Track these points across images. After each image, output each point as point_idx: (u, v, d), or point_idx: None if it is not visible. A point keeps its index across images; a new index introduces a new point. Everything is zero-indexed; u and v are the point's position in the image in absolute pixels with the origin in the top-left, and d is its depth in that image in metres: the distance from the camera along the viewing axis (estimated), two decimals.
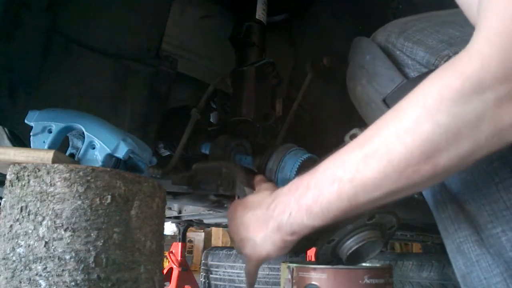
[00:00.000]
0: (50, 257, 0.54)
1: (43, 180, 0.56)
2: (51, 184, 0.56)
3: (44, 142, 0.69)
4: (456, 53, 0.68)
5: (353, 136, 0.81)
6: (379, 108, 0.71)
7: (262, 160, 1.01)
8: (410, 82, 0.68)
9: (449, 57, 0.68)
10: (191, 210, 2.08)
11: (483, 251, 0.60)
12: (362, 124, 0.78)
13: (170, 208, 2.13)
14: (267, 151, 1.02)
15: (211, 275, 2.83)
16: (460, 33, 0.71)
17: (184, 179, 1.01)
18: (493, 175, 0.61)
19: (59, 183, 0.56)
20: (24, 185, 0.57)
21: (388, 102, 0.70)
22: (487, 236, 0.60)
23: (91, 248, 0.55)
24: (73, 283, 0.53)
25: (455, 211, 0.63)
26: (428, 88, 0.49)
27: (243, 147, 1.10)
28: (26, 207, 0.56)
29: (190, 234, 6.22)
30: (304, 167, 0.95)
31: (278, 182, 0.98)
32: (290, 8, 1.29)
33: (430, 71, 0.68)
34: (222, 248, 2.94)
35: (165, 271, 2.89)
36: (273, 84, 1.08)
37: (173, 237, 4.90)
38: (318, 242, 0.77)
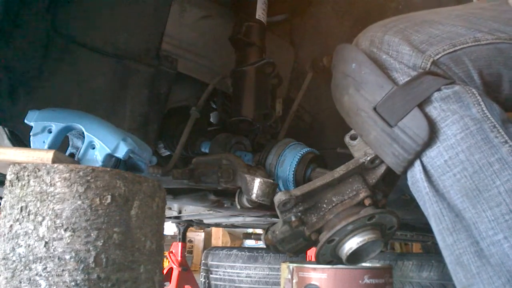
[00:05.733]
0: (50, 257, 0.54)
1: (43, 180, 0.56)
2: (51, 184, 0.56)
3: (44, 142, 0.69)
4: (437, 53, 0.68)
5: (353, 136, 0.81)
6: (370, 117, 0.69)
7: (262, 155, 1.02)
8: (400, 89, 0.67)
9: (433, 59, 0.68)
10: (191, 210, 2.08)
11: (484, 262, 0.59)
12: None
13: (170, 208, 2.12)
14: (267, 146, 1.03)
15: (211, 275, 2.83)
16: (440, 31, 0.70)
17: (184, 174, 1.01)
18: (494, 178, 0.60)
19: (59, 183, 0.56)
20: (24, 185, 0.57)
21: (379, 110, 0.68)
22: (488, 244, 0.59)
23: (91, 248, 0.55)
24: (73, 283, 0.53)
25: (453, 221, 0.62)
26: None
27: (242, 145, 1.10)
28: (26, 207, 0.56)
29: (190, 234, 6.22)
30: (303, 161, 0.95)
31: (277, 176, 0.98)
32: (290, 8, 1.29)
33: (419, 75, 0.67)
34: (222, 248, 2.94)
35: (165, 271, 2.89)
36: (273, 84, 1.08)
37: (173, 237, 4.90)
38: (318, 242, 0.77)
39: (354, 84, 0.72)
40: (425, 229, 2.32)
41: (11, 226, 0.56)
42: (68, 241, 0.54)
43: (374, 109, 0.69)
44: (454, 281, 0.64)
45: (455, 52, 0.68)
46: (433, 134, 0.64)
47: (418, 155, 0.66)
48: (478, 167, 0.61)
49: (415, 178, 0.67)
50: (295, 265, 0.83)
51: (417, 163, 0.66)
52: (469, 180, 0.61)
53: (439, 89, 0.65)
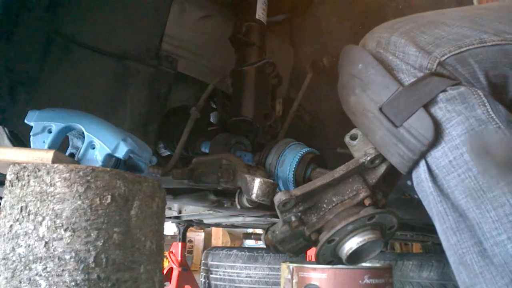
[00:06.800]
0: (50, 257, 0.54)
1: (43, 180, 0.56)
2: (51, 184, 0.56)
3: (44, 142, 0.69)
4: (443, 55, 0.68)
5: (353, 136, 0.81)
6: (376, 118, 0.70)
7: (262, 155, 1.02)
8: (406, 90, 0.67)
9: (439, 60, 0.68)
10: (191, 210, 2.08)
11: (487, 262, 0.59)
12: None
13: (170, 208, 2.12)
14: (267, 146, 1.03)
15: (211, 275, 2.83)
16: (446, 33, 0.70)
17: (184, 173, 1.01)
18: (498, 179, 0.60)
19: (59, 183, 0.56)
20: (24, 185, 0.57)
21: (385, 110, 0.69)
22: (492, 244, 0.59)
23: (91, 248, 0.55)
24: (73, 283, 0.53)
25: (456, 221, 0.62)
26: None
27: (242, 145, 1.10)
28: (26, 207, 0.56)
29: (190, 234, 6.22)
30: (303, 161, 0.95)
31: (277, 176, 0.98)
32: (290, 8, 1.29)
33: (425, 76, 0.67)
34: (222, 248, 2.94)
35: (165, 271, 2.89)
36: (273, 84, 1.08)
37: (173, 237, 4.90)
38: (318, 242, 0.77)
39: (361, 85, 0.73)
40: (425, 229, 2.32)
41: (11, 226, 0.56)
42: (68, 241, 0.54)
43: (380, 109, 0.69)
44: (457, 280, 0.64)
45: (461, 54, 0.68)
46: (438, 134, 0.64)
47: (423, 155, 0.66)
48: (482, 168, 0.61)
49: (420, 178, 0.67)
50: (295, 265, 0.83)
51: (422, 163, 0.66)
52: (473, 181, 0.61)
53: (444, 90, 0.65)
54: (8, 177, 0.59)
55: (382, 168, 0.79)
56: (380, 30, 0.76)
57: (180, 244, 3.09)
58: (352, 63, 0.76)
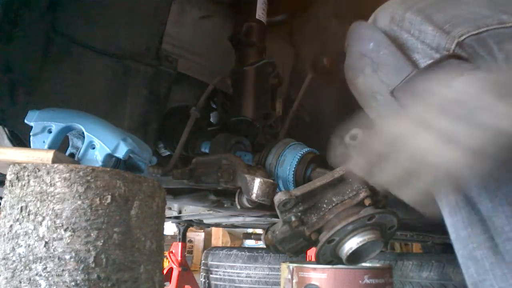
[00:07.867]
0: (50, 257, 0.54)
1: (43, 180, 0.56)
2: (51, 184, 0.56)
3: (44, 142, 0.69)
4: (461, 35, 0.63)
5: (353, 137, 0.81)
6: (387, 101, 0.66)
7: (262, 155, 1.02)
8: (420, 73, 0.64)
9: (458, 40, 0.63)
10: (191, 210, 2.08)
11: (498, 258, 0.57)
12: (362, 124, 0.77)
13: (170, 208, 2.12)
14: (267, 146, 1.03)
15: (211, 275, 2.83)
16: (464, 11, 0.66)
17: (184, 174, 1.01)
18: None
19: (59, 183, 0.56)
20: (24, 185, 0.57)
21: (397, 94, 0.65)
22: (504, 240, 0.56)
23: (91, 248, 0.55)
24: (73, 283, 0.53)
25: (468, 214, 0.60)
26: None
27: (242, 145, 1.10)
28: (26, 207, 0.56)
29: (190, 234, 6.21)
30: (303, 161, 0.95)
31: (277, 176, 0.98)
32: (290, 8, 1.29)
33: (442, 58, 0.62)
34: (222, 248, 2.94)
35: (165, 271, 2.89)
36: (273, 84, 1.08)
37: (173, 237, 4.90)
38: (318, 242, 0.77)
39: (372, 65, 0.69)
40: (425, 229, 2.32)
41: (11, 226, 0.56)
42: (68, 241, 0.54)
43: (392, 93, 0.66)
44: (465, 275, 0.61)
45: (480, 34, 0.63)
46: None
47: None
48: (499, 160, 0.59)
49: None
50: (295, 265, 0.83)
51: None
52: (488, 173, 0.58)
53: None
54: (8, 177, 0.59)
55: None
56: (393, 6, 0.72)
57: (180, 244, 3.09)
58: (362, 41, 0.73)
